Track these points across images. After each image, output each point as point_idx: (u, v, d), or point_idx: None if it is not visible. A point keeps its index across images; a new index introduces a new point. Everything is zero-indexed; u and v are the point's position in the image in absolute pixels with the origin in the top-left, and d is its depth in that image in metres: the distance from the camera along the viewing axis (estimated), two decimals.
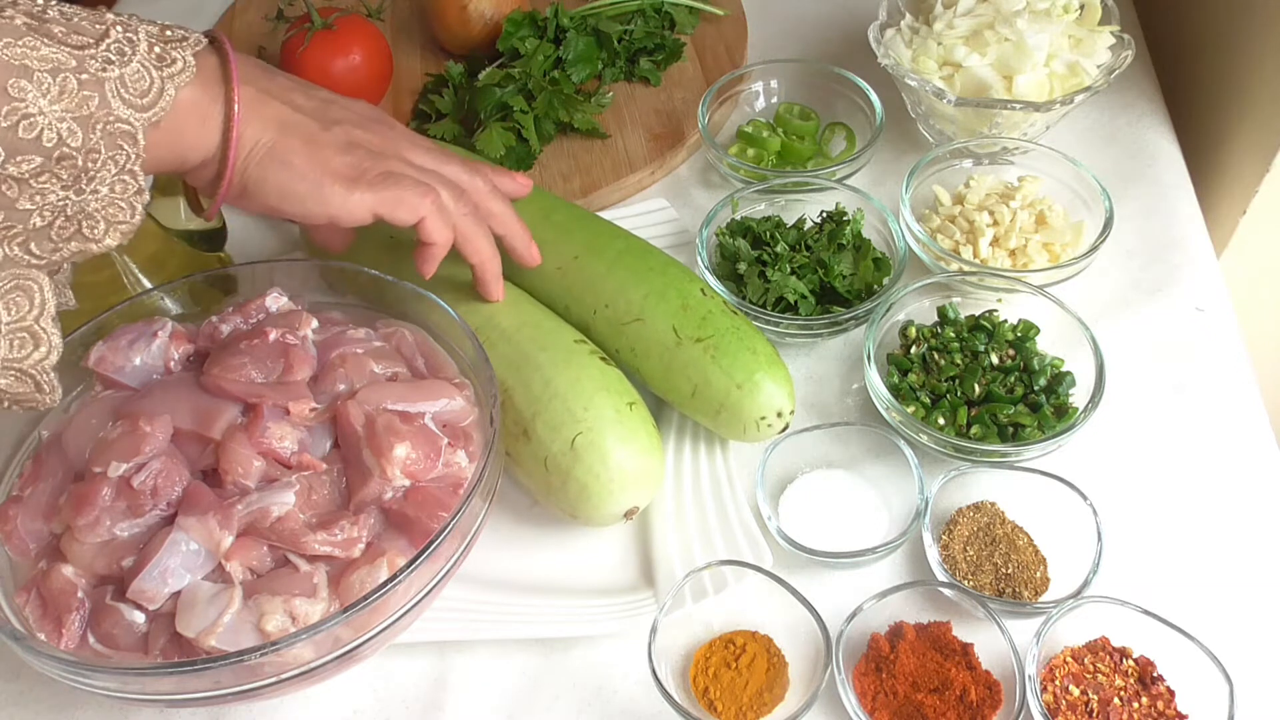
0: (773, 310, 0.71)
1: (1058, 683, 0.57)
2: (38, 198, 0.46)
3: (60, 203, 0.47)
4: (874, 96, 0.83)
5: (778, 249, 0.73)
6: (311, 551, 0.53)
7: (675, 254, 0.76)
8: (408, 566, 0.52)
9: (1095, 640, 0.59)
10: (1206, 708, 0.55)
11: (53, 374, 0.51)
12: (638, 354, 0.66)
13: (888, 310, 0.70)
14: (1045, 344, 0.69)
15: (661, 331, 0.65)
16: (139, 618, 0.52)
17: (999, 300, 0.72)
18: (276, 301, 0.65)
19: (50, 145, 0.46)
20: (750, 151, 0.84)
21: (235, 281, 0.71)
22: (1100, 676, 0.57)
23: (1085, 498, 0.63)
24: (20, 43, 0.45)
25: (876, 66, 0.80)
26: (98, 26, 0.49)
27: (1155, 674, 0.57)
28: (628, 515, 0.62)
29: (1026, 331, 0.69)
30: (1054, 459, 0.65)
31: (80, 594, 0.53)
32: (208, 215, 0.58)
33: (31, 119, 0.45)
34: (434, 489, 0.56)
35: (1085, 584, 0.60)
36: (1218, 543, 0.63)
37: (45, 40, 0.46)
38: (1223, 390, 0.70)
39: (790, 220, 0.77)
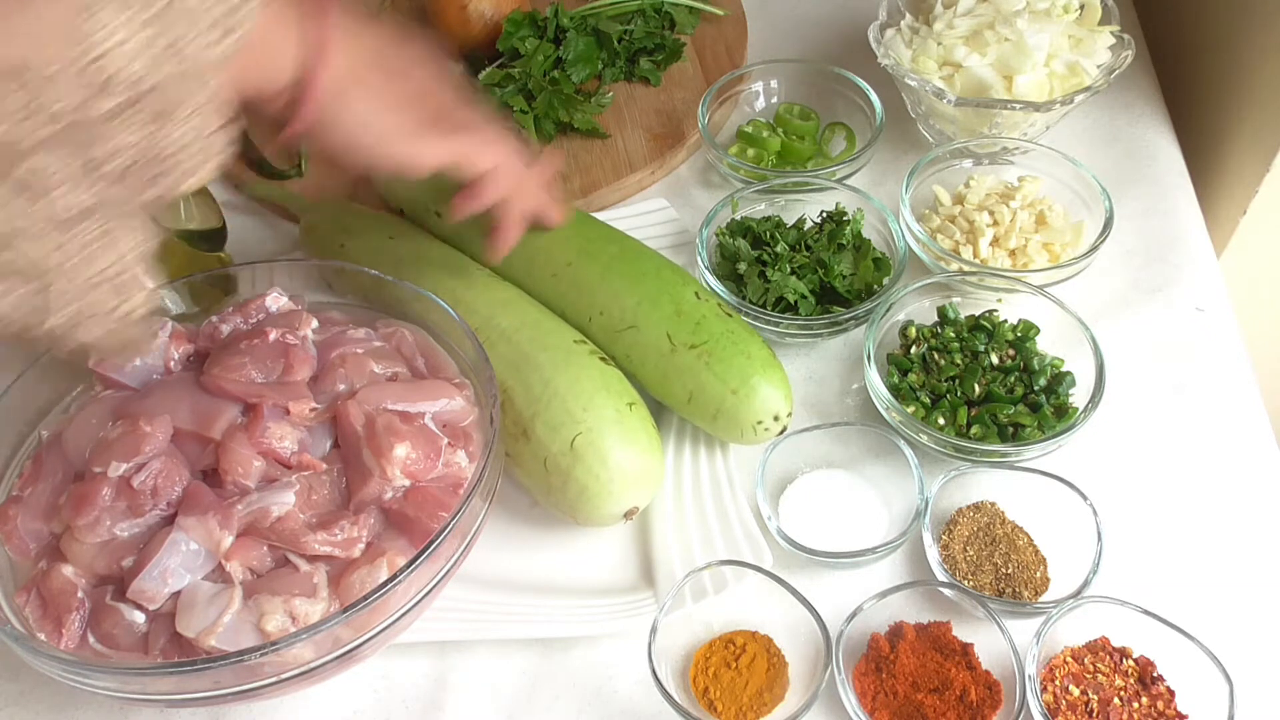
0: (773, 310, 0.71)
1: (1058, 683, 0.57)
2: (121, 136, 0.43)
3: (142, 143, 0.44)
4: (874, 96, 0.83)
5: (778, 249, 0.73)
6: (311, 551, 0.53)
7: (675, 254, 0.76)
8: (408, 566, 0.52)
9: (1095, 640, 0.59)
10: (1206, 708, 0.55)
11: (147, 319, 0.48)
12: (633, 360, 0.66)
13: (888, 310, 0.70)
14: (1045, 344, 0.70)
15: (655, 338, 0.65)
16: (139, 618, 0.52)
17: (999, 300, 0.72)
18: (276, 301, 0.65)
19: (136, 81, 0.42)
20: (750, 151, 0.84)
21: (235, 281, 0.71)
22: (1100, 676, 0.57)
23: (1085, 498, 0.63)
24: None
25: (876, 66, 0.80)
26: None
27: (1155, 674, 0.57)
28: (628, 515, 0.62)
29: (1026, 331, 0.69)
30: (1054, 459, 0.65)
31: (80, 594, 0.53)
32: (282, 140, 0.55)
33: (109, 55, 0.42)
34: (434, 489, 0.56)
35: (1085, 584, 0.60)
36: (1218, 543, 0.63)
37: None
38: (1223, 390, 0.70)
39: (790, 220, 0.77)
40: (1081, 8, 0.81)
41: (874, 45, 0.81)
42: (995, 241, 0.74)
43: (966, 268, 0.73)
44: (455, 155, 0.58)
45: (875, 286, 0.73)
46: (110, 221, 0.45)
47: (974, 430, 0.65)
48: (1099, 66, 0.78)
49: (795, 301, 0.71)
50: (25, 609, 0.54)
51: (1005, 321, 0.70)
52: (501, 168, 0.60)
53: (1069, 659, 0.58)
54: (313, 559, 0.54)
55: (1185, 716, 0.56)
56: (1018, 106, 0.76)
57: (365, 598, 0.51)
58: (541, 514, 0.67)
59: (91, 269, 0.45)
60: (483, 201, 0.61)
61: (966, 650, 0.58)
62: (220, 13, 0.44)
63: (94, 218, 0.44)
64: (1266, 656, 0.59)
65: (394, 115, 0.56)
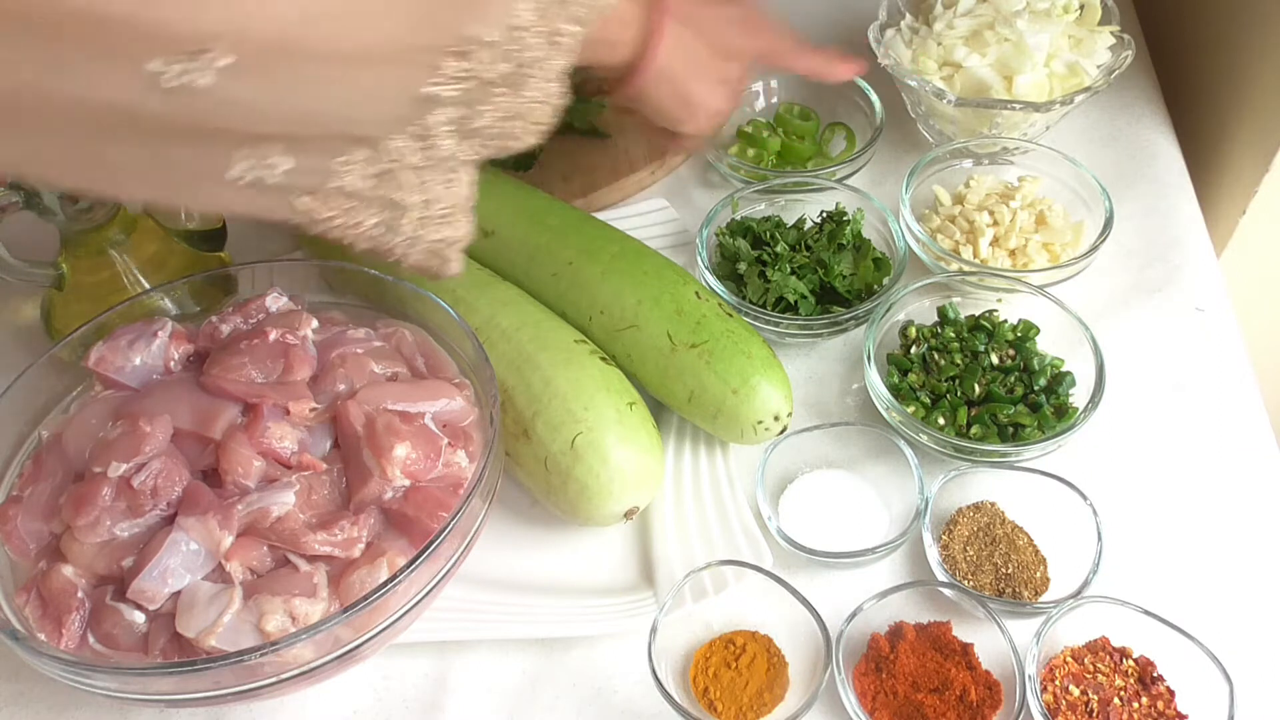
0: (773, 310, 0.71)
1: (1058, 683, 0.57)
2: (495, 100, 0.50)
3: (504, 104, 0.51)
4: (874, 96, 0.83)
5: (778, 249, 0.73)
6: (311, 551, 0.53)
7: (675, 254, 0.76)
8: (408, 566, 0.52)
9: (1095, 640, 0.59)
10: (1206, 708, 0.55)
11: (460, 254, 0.55)
12: (634, 360, 0.66)
13: (888, 310, 0.70)
14: (1045, 344, 0.70)
15: (656, 337, 0.65)
16: (139, 618, 0.52)
17: (999, 300, 0.72)
18: (276, 301, 0.65)
19: (522, 54, 0.49)
20: (750, 151, 0.84)
21: (235, 281, 0.71)
22: (1100, 676, 0.57)
23: (1085, 498, 0.63)
24: None
25: (876, 66, 0.80)
26: None
27: (1155, 674, 0.57)
28: (628, 515, 0.62)
29: (1026, 331, 0.69)
30: (1054, 459, 0.65)
31: (80, 594, 0.53)
32: (610, 102, 0.67)
33: (519, 32, 0.48)
34: (434, 489, 0.56)
35: (1085, 584, 0.60)
36: (1218, 543, 0.63)
37: None
38: (1223, 390, 0.70)
39: (790, 220, 0.77)
40: (1081, 8, 0.81)
41: (874, 45, 0.81)
42: (995, 241, 0.74)
43: (966, 268, 0.73)
44: (724, 120, 0.70)
45: (875, 286, 0.73)
46: (458, 168, 0.52)
47: (974, 430, 0.65)
48: (1099, 66, 0.78)
49: (795, 301, 0.71)
50: (25, 609, 0.54)
51: (1005, 321, 0.70)
52: (788, 58, 0.73)
53: (1069, 659, 0.58)
54: (313, 559, 0.54)
55: (1185, 716, 0.56)
56: (1018, 106, 0.76)
57: (365, 598, 0.51)
58: (541, 514, 0.67)
59: (437, 206, 0.52)
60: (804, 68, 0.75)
61: (966, 650, 0.58)
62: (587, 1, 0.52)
63: (449, 164, 0.52)
64: (1266, 656, 0.59)
65: (697, 100, 0.66)
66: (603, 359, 0.64)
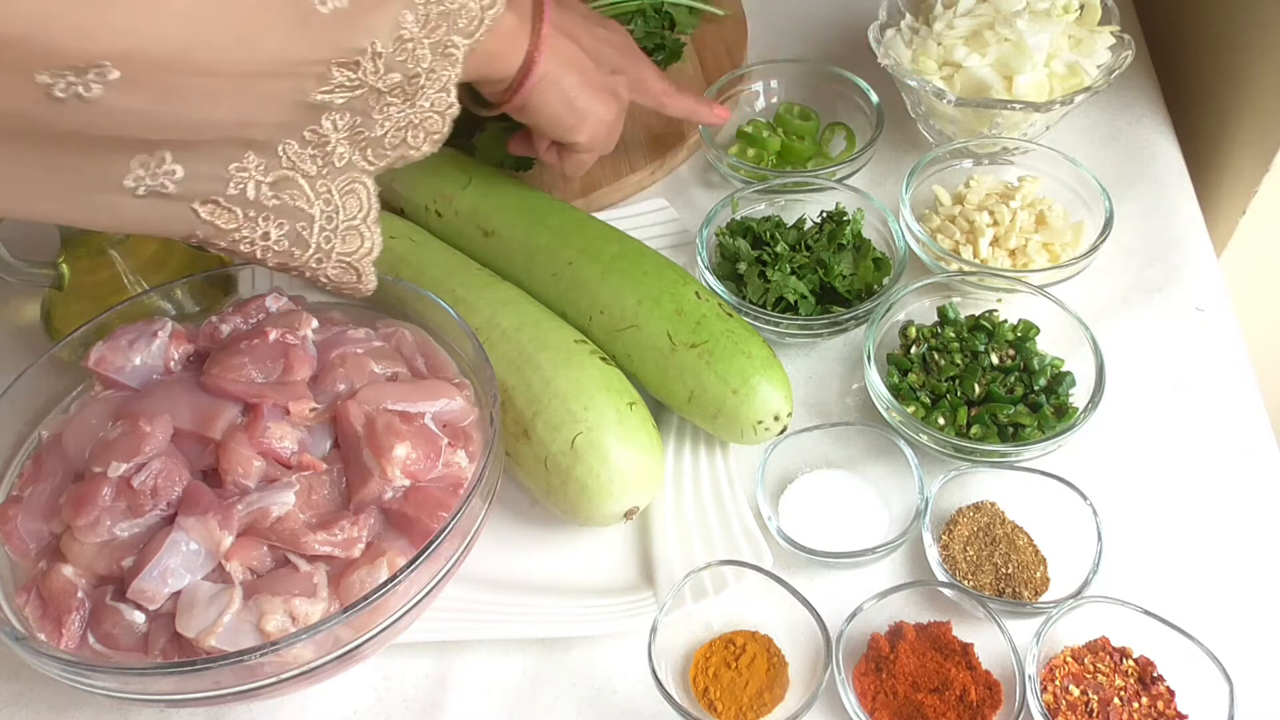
0: (773, 310, 0.71)
1: (1058, 683, 0.57)
2: (387, 109, 0.53)
3: (398, 114, 0.54)
4: (874, 96, 0.83)
5: (778, 249, 0.73)
6: (311, 551, 0.53)
7: (675, 254, 0.76)
8: (408, 566, 0.52)
9: (1095, 640, 0.59)
10: (1206, 708, 0.55)
11: (372, 268, 0.58)
12: (634, 360, 0.66)
13: (888, 310, 0.70)
14: (1045, 344, 0.70)
15: (656, 337, 0.65)
16: (139, 618, 0.52)
17: (999, 300, 0.72)
18: (276, 301, 0.65)
19: (410, 65, 0.52)
20: (750, 151, 0.84)
21: (235, 281, 0.71)
22: (1100, 676, 0.57)
23: (1085, 498, 0.63)
24: None
25: (876, 66, 0.80)
26: None
27: (1155, 674, 0.57)
28: (628, 515, 0.62)
29: (1026, 331, 0.69)
30: (1054, 459, 0.65)
31: (80, 594, 0.53)
32: (489, 112, 0.68)
33: (406, 43, 0.52)
34: (434, 489, 0.56)
35: (1085, 584, 0.60)
36: (1218, 543, 0.63)
37: None
38: (1223, 390, 0.70)
39: (790, 220, 0.77)
40: (1081, 8, 0.81)
41: (874, 45, 0.81)
42: (995, 241, 0.74)
43: (966, 268, 0.73)
44: (610, 136, 0.71)
45: (875, 286, 0.73)
46: (357, 179, 0.55)
47: (974, 430, 0.65)
48: (1099, 66, 0.78)
49: (795, 301, 0.71)
50: (25, 609, 0.54)
51: (1005, 321, 0.70)
52: (661, 96, 0.75)
53: (1069, 659, 0.58)
54: (313, 559, 0.54)
55: (1185, 716, 0.56)
56: (1018, 106, 0.76)
57: (365, 598, 0.51)
58: (541, 514, 0.67)
59: (341, 217, 0.55)
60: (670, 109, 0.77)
61: (966, 650, 0.58)
62: (478, 7, 0.55)
63: (348, 174, 0.54)
64: (1266, 656, 0.59)
65: (584, 108, 0.67)
66: (603, 359, 0.64)
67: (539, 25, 0.62)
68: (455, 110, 0.57)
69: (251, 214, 0.52)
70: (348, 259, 0.56)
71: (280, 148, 0.51)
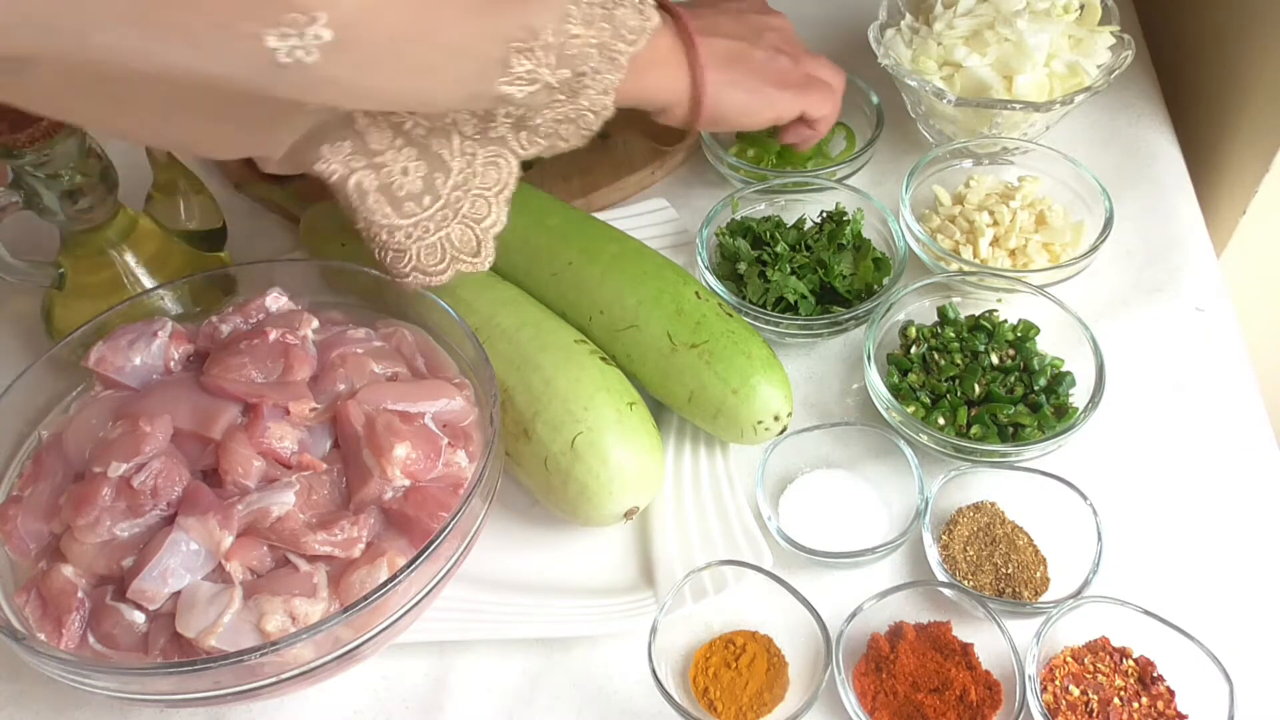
0: (773, 310, 0.71)
1: (1058, 683, 0.57)
2: (554, 104, 0.56)
3: (560, 109, 0.57)
4: (874, 96, 0.83)
5: (778, 249, 0.73)
6: (311, 551, 0.53)
7: (675, 254, 0.76)
8: (408, 566, 0.52)
9: (1095, 640, 0.59)
10: (1206, 708, 0.55)
11: (492, 244, 0.60)
12: (634, 360, 0.66)
13: (888, 310, 0.70)
14: (1045, 344, 0.70)
15: (656, 338, 0.65)
16: (139, 618, 0.52)
17: (999, 300, 0.72)
18: (276, 301, 0.65)
19: (579, 62, 0.55)
20: (750, 151, 0.84)
21: (235, 281, 0.71)
22: (1100, 676, 0.57)
23: (1085, 498, 0.63)
24: None
25: (876, 66, 0.80)
26: None
27: (1155, 674, 0.57)
28: (628, 515, 0.62)
29: (1026, 331, 0.69)
30: (1054, 459, 0.65)
31: (80, 594, 0.53)
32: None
33: (575, 39, 0.54)
34: (434, 489, 0.56)
35: (1085, 584, 0.60)
36: (1218, 543, 0.63)
37: None
38: (1223, 390, 0.70)
39: (790, 220, 0.77)
40: (1081, 8, 0.81)
41: (874, 45, 0.81)
42: (995, 241, 0.74)
43: (966, 268, 0.73)
44: (806, 109, 0.72)
45: (875, 286, 0.73)
46: (501, 154, 0.58)
47: (974, 430, 0.65)
48: (1099, 66, 0.78)
49: (795, 301, 0.71)
50: (25, 609, 0.54)
51: (1005, 321, 0.70)
52: (830, 116, 0.75)
53: (1069, 659, 0.58)
54: (313, 559, 0.54)
55: (1185, 716, 0.56)
56: (1018, 106, 0.76)
57: (365, 598, 0.51)
58: (541, 514, 0.67)
59: (477, 180, 0.58)
60: (811, 141, 0.77)
61: (966, 650, 0.58)
62: (631, 26, 0.57)
63: (497, 146, 0.58)
64: (1266, 656, 0.59)
65: (761, 87, 0.70)
66: (603, 359, 0.64)
67: (686, 35, 0.65)
68: (610, 112, 0.59)
69: (400, 143, 0.55)
70: (474, 225, 0.59)
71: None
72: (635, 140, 0.86)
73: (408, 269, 0.60)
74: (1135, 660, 0.58)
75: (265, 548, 0.54)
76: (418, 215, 0.57)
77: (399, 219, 0.58)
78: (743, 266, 0.73)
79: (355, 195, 0.57)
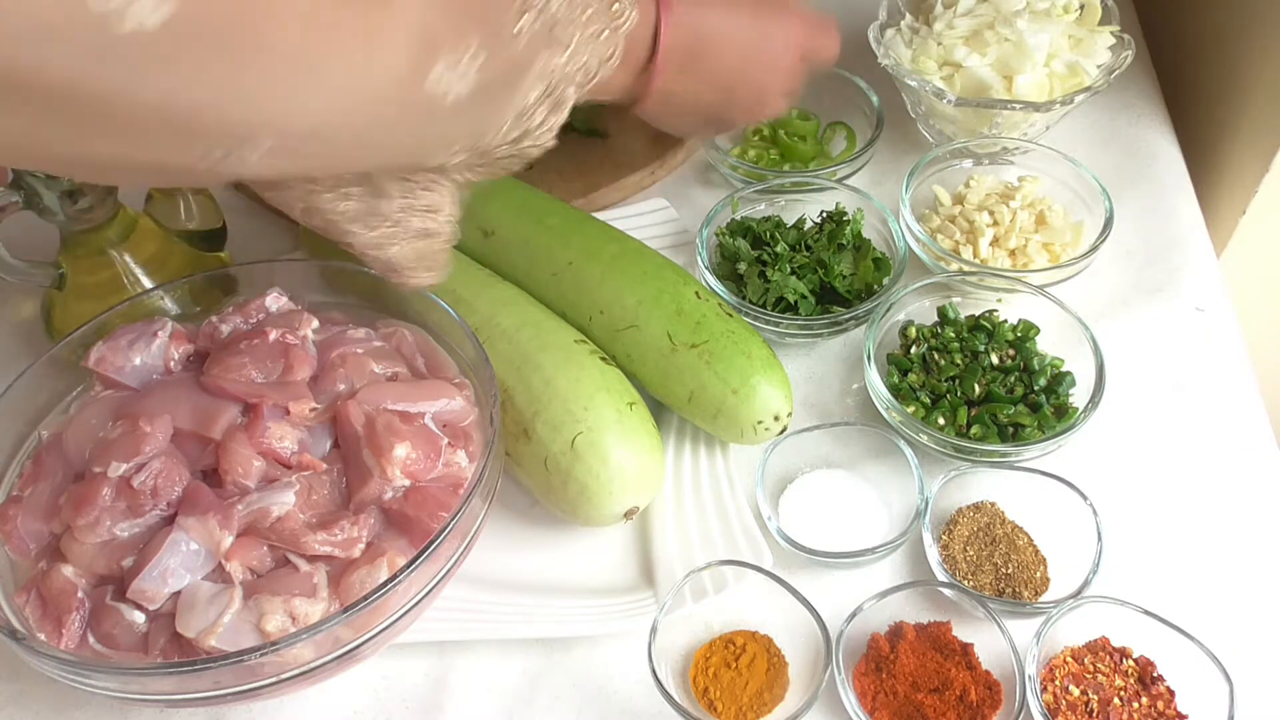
0: (773, 310, 0.71)
1: (1058, 683, 0.57)
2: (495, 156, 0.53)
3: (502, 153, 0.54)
4: (874, 96, 0.83)
5: (778, 249, 0.73)
6: (311, 551, 0.53)
7: (675, 254, 0.76)
8: (408, 566, 0.52)
9: (1095, 640, 0.59)
10: (1206, 708, 0.55)
11: (446, 259, 0.57)
12: (634, 360, 0.66)
13: (888, 310, 0.70)
14: (1045, 344, 0.70)
15: (656, 337, 0.65)
16: (139, 618, 0.52)
17: (999, 300, 0.72)
18: (276, 301, 0.65)
19: (526, 141, 0.53)
20: (750, 152, 0.84)
21: (235, 281, 0.71)
22: (1100, 676, 0.57)
23: (1085, 498, 0.63)
24: None
25: (876, 66, 0.80)
26: None
27: (1155, 674, 0.57)
28: (628, 515, 0.62)
29: (1026, 331, 0.69)
30: (1054, 459, 0.65)
31: (80, 594, 0.53)
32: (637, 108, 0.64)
33: (521, 119, 0.51)
34: (434, 489, 0.56)
35: (1085, 584, 0.60)
36: (1218, 543, 0.63)
37: None
38: (1223, 390, 0.70)
39: (790, 220, 0.77)
40: (1081, 8, 0.81)
41: (874, 45, 0.81)
42: (995, 241, 0.74)
43: (966, 268, 0.73)
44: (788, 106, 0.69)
45: (875, 286, 0.73)
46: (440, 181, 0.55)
47: (974, 430, 0.65)
48: (1099, 66, 0.78)
49: (795, 301, 0.71)
50: (25, 609, 0.54)
51: (1005, 321, 0.70)
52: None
53: (1069, 659, 0.58)
54: (313, 559, 0.54)
55: (1185, 716, 0.56)
56: (1018, 106, 0.76)
57: (365, 598, 0.51)
58: (541, 514, 0.67)
59: (421, 200, 0.54)
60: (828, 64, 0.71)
61: (966, 650, 0.58)
62: (596, 61, 0.53)
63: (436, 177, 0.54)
64: (1266, 656, 0.59)
65: (711, 96, 0.64)
66: (603, 359, 0.64)
67: (658, 16, 0.59)
68: (551, 145, 0.56)
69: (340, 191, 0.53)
70: (421, 239, 0.56)
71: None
72: (635, 140, 0.86)
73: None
74: (1135, 660, 0.58)
75: (265, 548, 0.54)
76: (371, 227, 0.55)
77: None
78: (743, 266, 0.73)
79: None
